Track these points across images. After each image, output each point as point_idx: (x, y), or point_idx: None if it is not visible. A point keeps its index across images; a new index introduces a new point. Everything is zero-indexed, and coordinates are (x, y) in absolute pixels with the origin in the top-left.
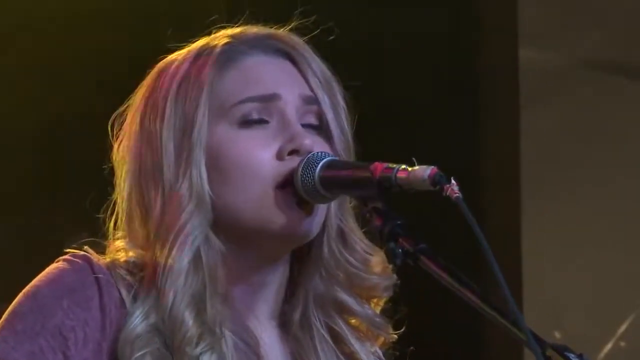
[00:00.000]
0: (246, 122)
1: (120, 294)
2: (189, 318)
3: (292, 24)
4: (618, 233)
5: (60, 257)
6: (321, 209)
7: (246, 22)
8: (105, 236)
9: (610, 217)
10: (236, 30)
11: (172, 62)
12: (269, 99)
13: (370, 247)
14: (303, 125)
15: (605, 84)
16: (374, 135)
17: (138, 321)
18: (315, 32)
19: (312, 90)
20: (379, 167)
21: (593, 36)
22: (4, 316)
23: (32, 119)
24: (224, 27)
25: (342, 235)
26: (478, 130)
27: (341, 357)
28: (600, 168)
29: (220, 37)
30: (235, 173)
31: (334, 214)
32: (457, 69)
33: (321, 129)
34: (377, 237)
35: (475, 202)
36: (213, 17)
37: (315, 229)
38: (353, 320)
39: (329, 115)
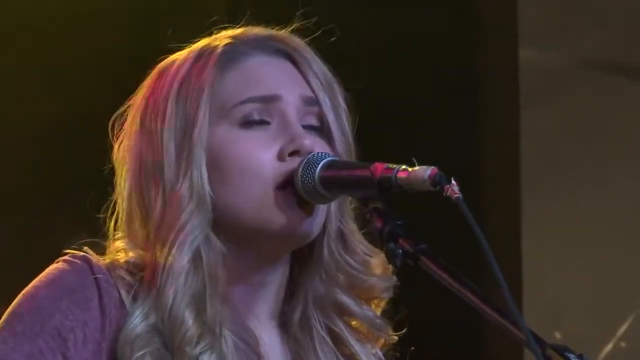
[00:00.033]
0: (247, 123)
1: (119, 294)
2: (188, 318)
3: (294, 25)
4: (618, 233)
5: (60, 258)
6: (322, 210)
7: (247, 23)
8: (105, 237)
9: (610, 217)
10: (237, 31)
11: (173, 62)
12: (270, 100)
13: (370, 249)
14: (304, 127)
15: (605, 84)
16: (374, 135)
17: (138, 321)
18: (317, 34)
19: (313, 91)
20: (379, 167)
21: (593, 36)
22: (4, 317)
23: (32, 119)
24: (224, 28)
25: (342, 237)
26: (478, 130)
27: (341, 358)
28: (600, 168)
29: (222, 37)
30: (235, 173)
31: (334, 215)
32: (457, 69)
33: (322, 130)
34: (376, 239)
35: (475, 202)
36: (214, 18)
37: (316, 230)
38: (353, 322)
39: (330, 117)
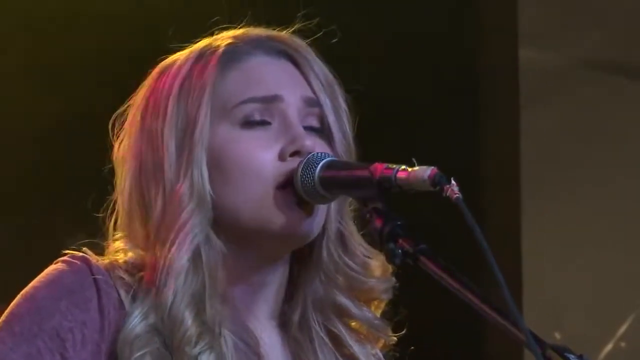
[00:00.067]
0: (248, 123)
1: (119, 295)
2: (188, 317)
3: (295, 26)
4: (618, 233)
5: (59, 259)
6: (321, 210)
7: (248, 24)
8: (104, 237)
9: (610, 217)
10: (238, 31)
11: (174, 62)
12: (271, 100)
13: (370, 251)
14: (304, 128)
15: (605, 84)
16: (374, 135)
17: (137, 321)
18: (318, 35)
19: (314, 92)
20: (379, 167)
21: (593, 36)
22: (2, 318)
23: (32, 119)
24: (225, 29)
25: (342, 239)
26: (478, 130)
27: (341, 359)
28: (600, 168)
29: (223, 37)
30: (236, 173)
31: (333, 217)
32: (457, 69)
33: (322, 131)
34: (375, 240)
35: (475, 202)
36: (215, 19)
37: (316, 230)
38: (353, 323)
39: (331, 118)
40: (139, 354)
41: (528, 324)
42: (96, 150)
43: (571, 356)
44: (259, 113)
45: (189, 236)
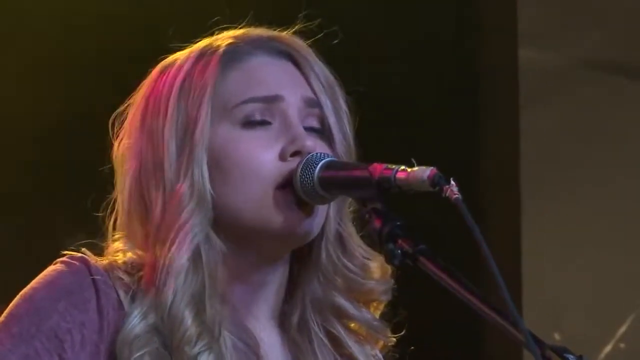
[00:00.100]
0: (249, 123)
1: (118, 295)
2: (188, 317)
3: (296, 26)
4: (618, 233)
5: (58, 259)
6: (321, 210)
7: (249, 24)
8: (104, 237)
9: (610, 217)
10: (239, 31)
11: (175, 61)
12: (272, 100)
13: (369, 253)
14: (305, 128)
15: (605, 84)
16: (374, 135)
17: (136, 321)
18: (319, 36)
19: (314, 93)
20: (378, 167)
21: (593, 36)
22: (1, 318)
23: (32, 119)
24: (226, 29)
25: (341, 240)
26: (478, 130)
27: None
28: (600, 168)
29: (224, 37)
30: (236, 173)
31: (332, 218)
32: (457, 70)
33: (323, 132)
34: (374, 240)
35: (475, 202)
36: (215, 19)
37: (316, 230)
38: (352, 324)
39: (331, 119)
40: (138, 354)
41: (528, 324)
42: (96, 150)
43: (570, 357)
44: (259, 113)
45: (189, 236)
